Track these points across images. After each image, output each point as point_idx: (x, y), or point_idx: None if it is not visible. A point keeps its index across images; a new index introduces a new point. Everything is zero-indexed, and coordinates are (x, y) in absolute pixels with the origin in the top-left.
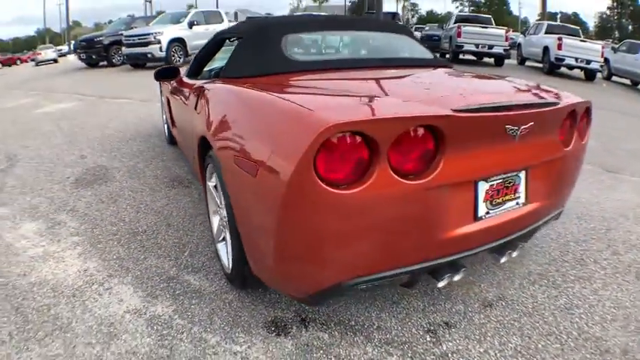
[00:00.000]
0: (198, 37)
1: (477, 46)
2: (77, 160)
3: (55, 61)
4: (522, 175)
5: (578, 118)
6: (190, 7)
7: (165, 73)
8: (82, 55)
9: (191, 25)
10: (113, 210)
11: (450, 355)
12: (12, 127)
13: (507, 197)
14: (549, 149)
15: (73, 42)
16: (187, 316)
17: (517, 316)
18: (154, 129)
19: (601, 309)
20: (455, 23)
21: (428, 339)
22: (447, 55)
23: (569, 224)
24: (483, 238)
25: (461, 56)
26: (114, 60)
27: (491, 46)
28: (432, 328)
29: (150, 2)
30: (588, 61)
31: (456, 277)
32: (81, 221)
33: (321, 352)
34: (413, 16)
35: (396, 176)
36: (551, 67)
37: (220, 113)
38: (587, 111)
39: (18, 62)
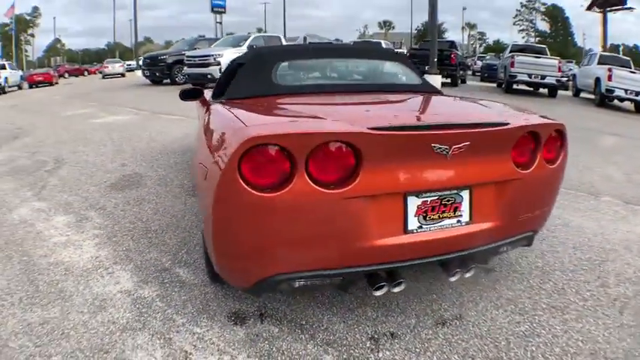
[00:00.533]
0: None
1: (529, 76)
2: (118, 167)
3: (122, 75)
4: (465, 194)
5: (542, 141)
6: (260, 30)
7: (190, 93)
8: (146, 71)
9: (250, 48)
10: (135, 211)
11: None
12: (66, 134)
13: (446, 215)
14: (498, 170)
15: (141, 58)
16: (166, 300)
17: (467, 337)
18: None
19: (565, 341)
20: (510, 53)
21: (368, 345)
22: (503, 85)
23: (562, 253)
24: (417, 252)
25: (515, 86)
26: (176, 78)
27: (543, 77)
28: (376, 336)
29: (220, 24)
30: (637, 93)
31: (396, 289)
32: (105, 218)
33: (267, 342)
34: (480, 45)
35: (313, 184)
36: (602, 98)
37: (206, 128)
38: (560, 135)
39: (85, 73)
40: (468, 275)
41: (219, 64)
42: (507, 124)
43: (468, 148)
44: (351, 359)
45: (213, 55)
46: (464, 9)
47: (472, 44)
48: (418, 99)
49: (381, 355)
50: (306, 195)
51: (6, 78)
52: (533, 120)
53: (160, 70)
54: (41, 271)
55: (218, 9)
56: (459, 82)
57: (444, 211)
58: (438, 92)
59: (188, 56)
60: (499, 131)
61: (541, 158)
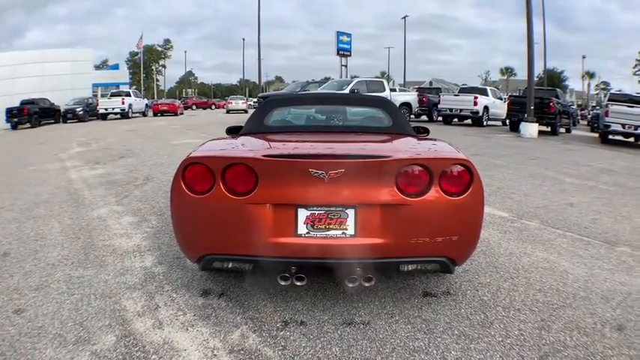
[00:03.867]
0: None
1: (623, 126)
2: None
3: (245, 111)
4: (350, 211)
5: (435, 175)
6: (383, 74)
7: (232, 130)
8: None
9: (352, 92)
10: None
11: (284, 340)
12: (166, 158)
13: (332, 226)
14: (382, 195)
15: None
16: (167, 276)
17: (359, 338)
18: None
19: None
20: (607, 102)
21: (278, 325)
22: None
23: (521, 293)
24: (305, 252)
25: (610, 137)
26: None
27: (637, 127)
28: (289, 321)
29: (345, 66)
30: None
31: (298, 283)
32: (160, 222)
33: (212, 309)
34: (605, 95)
35: (226, 192)
36: None
37: None
38: (468, 171)
39: (213, 107)
40: (367, 284)
41: None
42: (387, 157)
43: (346, 174)
44: (260, 331)
45: None
46: (583, 57)
47: (596, 94)
48: (358, 137)
49: (282, 333)
50: (222, 199)
51: (130, 105)
52: (426, 155)
53: None
54: (95, 249)
55: (344, 52)
56: (561, 131)
57: (329, 223)
58: (403, 134)
59: None
60: (376, 162)
61: (437, 189)
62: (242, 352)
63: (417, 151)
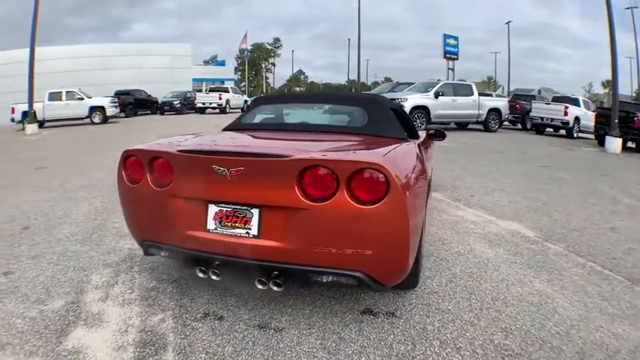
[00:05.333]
0: (443, 106)
1: None
2: None
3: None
4: (255, 211)
5: (341, 179)
6: (490, 78)
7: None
8: None
9: (437, 95)
10: None
11: (191, 330)
12: None
13: (237, 225)
14: (283, 197)
15: None
16: (142, 252)
17: (261, 342)
18: None
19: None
20: None
21: (198, 316)
22: None
23: (468, 327)
24: (213, 247)
25: None
26: None
27: None
28: (209, 313)
29: (452, 70)
30: None
31: (214, 277)
32: None
33: (155, 292)
34: None
35: (151, 184)
36: None
37: None
38: (385, 178)
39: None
40: (276, 289)
41: (402, 107)
42: (287, 156)
43: (247, 173)
44: (179, 318)
45: (398, 99)
46: None
47: None
48: (312, 136)
49: (195, 323)
50: (148, 190)
51: (227, 100)
52: (331, 157)
53: None
54: (102, 230)
55: (450, 55)
56: None
57: (235, 222)
58: (373, 135)
59: None
60: (275, 162)
61: (346, 195)
62: (149, 332)
63: (326, 152)
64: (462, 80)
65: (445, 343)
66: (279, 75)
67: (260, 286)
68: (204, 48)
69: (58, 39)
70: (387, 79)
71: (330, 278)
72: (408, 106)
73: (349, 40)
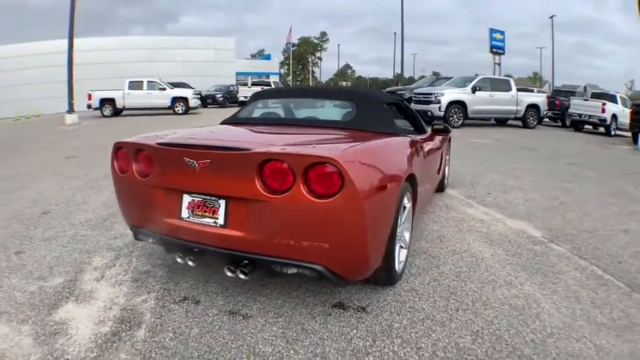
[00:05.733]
0: (480, 101)
1: None
2: None
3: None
4: (222, 202)
5: (296, 172)
6: (536, 74)
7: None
8: None
9: (474, 89)
10: None
11: (167, 311)
12: None
13: (206, 214)
14: (245, 189)
15: None
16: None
17: (225, 328)
18: None
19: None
20: None
21: (177, 299)
22: None
23: (436, 328)
24: (186, 234)
25: None
26: None
27: None
28: (189, 296)
29: (498, 65)
30: None
31: (190, 263)
32: None
33: (145, 276)
34: None
35: (136, 174)
36: None
37: None
38: (339, 172)
39: None
40: (242, 277)
41: (439, 102)
42: (248, 150)
43: (214, 165)
44: (160, 300)
45: (434, 94)
46: None
47: None
48: (293, 130)
49: (173, 305)
50: (133, 179)
51: None
52: (288, 150)
53: None
54: (114, 217)
55: (497, 50)
56: None
57: (205, 211)
58: (357, 129)
59: (415, 93)
60: (237, 155)
61: (302, 189)
62: (130, 311)
63: (287, 146)
64: (508, 76)
65: (407, 341)
66: (326, 69)
67: (229, 274)
68: (252, 42)
69: (108, 29)
70: (435, 74)
71: (294, 270)
72: (444, 102)
73: (395, 33)
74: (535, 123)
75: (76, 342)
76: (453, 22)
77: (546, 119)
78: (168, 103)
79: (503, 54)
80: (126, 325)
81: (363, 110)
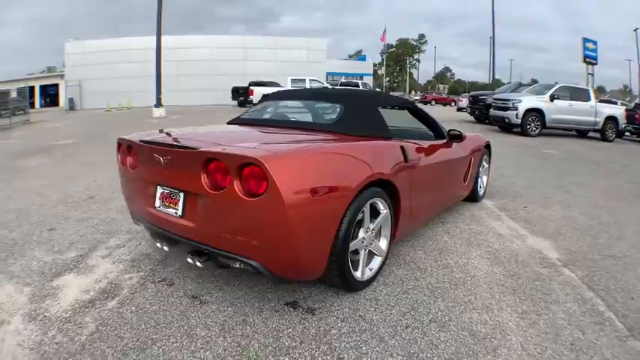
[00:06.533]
0: (558, 110)
1: None
2: None
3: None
4: (181, 195)
5: (230, 170)
6: (626, 87)
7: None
8: (468, 109)
9: (552, 97)
10: None
11: (141, 287)
12: None
13: (171, 205)
14: (193, 183)
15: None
16: None
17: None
18: None
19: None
20: None
21: (157, 280)
22: None
23: (371, 339)
24: (158, 222)
25: None
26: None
27: None
28: (166, 280)
29: (592, 75)
30: None
31: (165, 248)
32: None
33: (140, 257)
34: None
35: (128, 166)
36: None
37: None
38: (263, 171)
39: (452, 104)
40: (198, 264)
41: (516, 109)
42: (195, 148)
43: (174, 161)
44: (138, 280)
45: (512, 101)
46: None
47: None
48: (270, 131)
49: (148, 284)
50: (127, 171)
51: None
52: (223, 150)
53: (479, 109)
54: None
55: (590, 60)
56: None
57: (170, 202)
58: (335, 132)
59: (495, 99)
60: (187, 153)
61: (235, 187)
62: (114, 285)
63: (228, 146)
64: (600, 87)
65: (332, 349)
66: (424, 71)
67: (189, 261)
68: (352, 42)
69: (208, 27)
70: (534, 81)
71: (237, 264)
72: (521, 109)
73: (490, 37)
74: (613, 136)
75: (59, 304)
76: (551, 29)
77: (627, 133)
78: None
79: (596, 64)
80: (103, 296)
81: (349, 113)
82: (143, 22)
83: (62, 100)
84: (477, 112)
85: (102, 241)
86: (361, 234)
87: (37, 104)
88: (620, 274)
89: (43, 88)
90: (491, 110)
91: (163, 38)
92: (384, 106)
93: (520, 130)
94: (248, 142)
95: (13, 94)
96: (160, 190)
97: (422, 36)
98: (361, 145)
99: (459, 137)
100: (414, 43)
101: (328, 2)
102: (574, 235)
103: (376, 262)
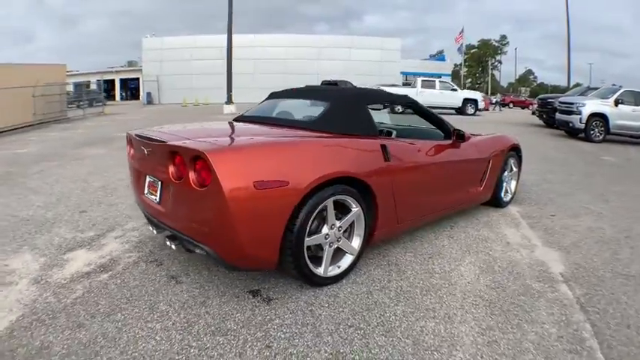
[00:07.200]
0: (623, 116)
1: None
2: None
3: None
4: (159, 183)
5: (185, 162)
6: None
7: None
8: (537, 112)
9: (617, 102)
10: None
11: (131, 265)
12: None
13: (153, 192)
14: (164, 174)
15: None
16: None
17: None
18: None
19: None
20: None
21: (151, 260)
22: None
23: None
24: (146, 207)
25: None
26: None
27: None
28: (158, 260)
29: None
30: None
31: (154, 232)
32: None
33: (152, 241)
34: None
35: (129, 156)
36: None
37: None
38: (205, 163)
39: (530, 107)
40: (173, 247)
41: (579, 113)
42: (163, 141)
43: (153, 153)
44: (140, 258)
45: (576, 104)
46: None
47: None
48: (254, 128)
49: (137, 265)
50: (129, 161)
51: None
52: (178, 143)
53: (547, 113)
54: None
55: None
56: None
57: (153, 190)
58: (311, 129)
59: (560, 102)
60: (157, 145)
61: (190, 177)
62: (113, 261)
63: (188, 140)
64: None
65: (266, 337)
66: (506, 73)
67: (167, 243)
68: (436, 42)
69: (291, 26)
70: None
71: (199, 250)
72: (585, 113)
73: (567, 40)
74: None
75: (62, 273)
76: (633, 35)
77: None
78: (458, 103)
79: None
80: (100, 270)
81: (331, 111)
82: (224, 20)
83: (142, 94)
84: (544, 116)
85: (121, 224)
86: (324, 230)
87: (117, 97)
88: (627, 297)
89: (123, 81)
90: (557, 114)
91: (240, 37)
92: (373, 103)
93: (584, 135)
94: (212, 137)
95: (93, 87)
96: (147, 179)
97: (503, 37)
98: (321, 142)
99: (462, 137)
100: (496, 44)
101: (412, 1)
102: (592, 248)
103: (347, 260)
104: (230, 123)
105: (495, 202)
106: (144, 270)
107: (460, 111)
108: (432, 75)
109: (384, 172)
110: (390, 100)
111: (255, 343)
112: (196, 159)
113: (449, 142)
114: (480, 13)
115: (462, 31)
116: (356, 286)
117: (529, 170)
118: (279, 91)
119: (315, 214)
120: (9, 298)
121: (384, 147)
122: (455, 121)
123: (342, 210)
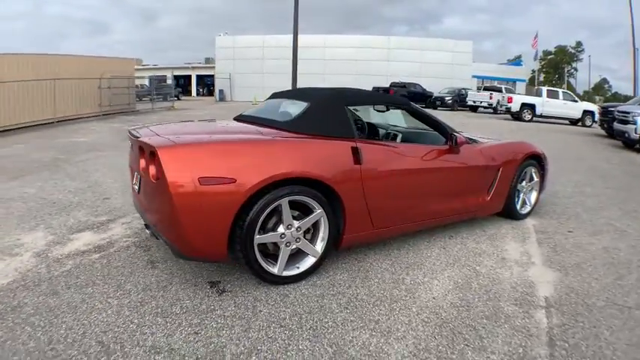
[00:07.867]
0: None
1: None
2: None
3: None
4: (139, 177)
5: (150, 156)
6: None
7: None
8: (599, 121)
9: None
10: None
11: (122, 247)
12: None
13: (137, 184)
14: (138, 167)
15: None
16: None
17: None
18: None
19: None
20: None
21: (141, 245)
22: None
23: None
24: (136, 197)
25: None
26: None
27: None
28: (146, 247)
29: None
30: None
31: (147, 231)
32: None
33: (146, 233)
34: None
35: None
36: None
37: None
38: (158, 158)
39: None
40: (148, 233)
41: (635, 123)
42: (137, 137)
43: (138, 150)
44: (134, 242)
45: (632, 113)
46: None
47: None
48: (239, 128)
49: (132, 247)
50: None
51: (499, 100)
52: (147, 141)
53: (607, 122)
54: None
55: None
56: None
57: (137, 182)
58: (284, 129)
59: (618, 111)
60: (135, 141)
61: (149, 170)
62: (111, 243)
63: (155, 137)
64: None
65: (199, 325)
66: (582, 80)
67: (146, 230)
68: (515, 47)
69: (371, 27)
70: None
71: (162, 240)
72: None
73: (632, 44)
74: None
75: (61, 250)
76: None
77: None
78: (578, 115)
79: None
80: (95, 250)
81: (306, 112)
82: (304, 20)
83: (216, 90)
84: (605, 125)
85: (132, 212)
86: (280, 229)
87: (193, 92)
88: (610, 332)
89: (199, 77)
90: (614, 123)
91: (311, 37)
92: (354, 104)
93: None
94: (176, 135)
95: (169, 81)
96: (136, 173)
97: (579, 43)
98: (282, 142)
99: (456, 142)
100: (572, 51)
101: (492, 4)
102: (597, 270)
103: (308, 262)
104: (226, 123)
105: (508, 213)
106: (132, 253)
107: (577, 122)
108: (507, 80)
109: (354, 174)
110: (373, 101)
111: (186, 328)
112: (152, 154)
113: (445, 146)
114: (557, 17)
115: (537, 35)
116: (312, 289)
117: (569, 181)
118: (280, 91)
119: (266, 213)
120: (9, 266)
121: (355, 149)
122: (512, 129)
123: (305, 211)
